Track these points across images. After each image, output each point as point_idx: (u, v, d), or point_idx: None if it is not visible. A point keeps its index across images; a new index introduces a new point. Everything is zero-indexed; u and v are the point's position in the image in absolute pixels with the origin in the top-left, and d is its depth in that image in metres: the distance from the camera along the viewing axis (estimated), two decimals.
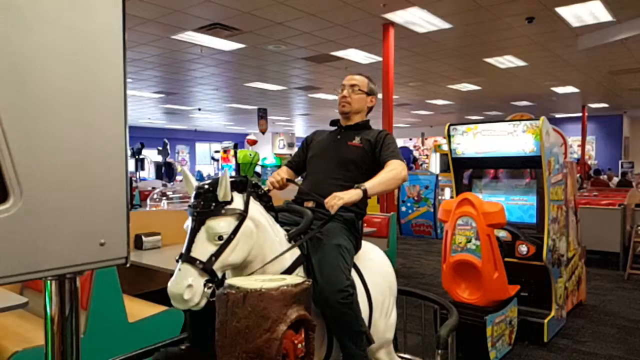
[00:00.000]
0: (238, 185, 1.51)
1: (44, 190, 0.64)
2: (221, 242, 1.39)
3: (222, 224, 1.40)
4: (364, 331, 1.72)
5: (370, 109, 2.21)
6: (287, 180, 2.02)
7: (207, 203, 1.42)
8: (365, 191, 1.75)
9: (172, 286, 1.34)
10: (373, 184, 1.80)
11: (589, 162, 16.21)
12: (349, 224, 1.88)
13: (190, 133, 21.86)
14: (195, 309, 1.38)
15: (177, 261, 1.39)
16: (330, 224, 1.79)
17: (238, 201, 1.47)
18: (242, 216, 1.45)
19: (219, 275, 1.41)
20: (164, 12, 5.86)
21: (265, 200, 1.63)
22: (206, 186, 1.45)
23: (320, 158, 2.09)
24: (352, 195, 1.72)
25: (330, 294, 1.60)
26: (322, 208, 1.88)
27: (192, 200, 1.46)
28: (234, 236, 1.42)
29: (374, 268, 1.99)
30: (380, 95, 6.84)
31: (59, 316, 0.73)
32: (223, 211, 1.41)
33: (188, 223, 1.44)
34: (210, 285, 1.37)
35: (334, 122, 2.23)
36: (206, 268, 1.36)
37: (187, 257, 1.37)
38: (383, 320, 1.97)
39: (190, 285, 1.33)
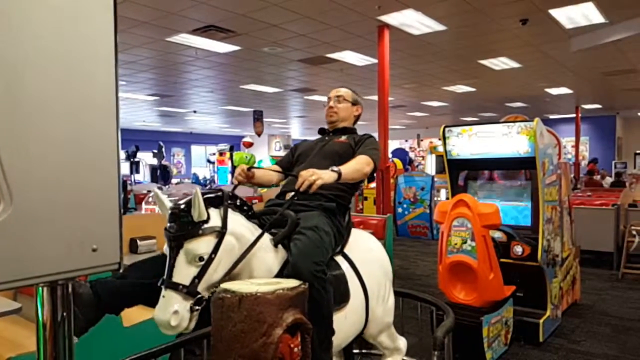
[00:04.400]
0: (213, 200, 1.46)
1: (34, 196, 0.64)
2: (202, 262, 1.36)
3: (201, 245, 1.36)
4: (331, 325, 1.64)
5: (357, 118, 2.32)
6: (249, 168, 1.96)
7: (182, 225, 1.37)
8: (339, 174, 1.75)
9: (158, 314, 1.32)
10: (346, 170, 1.80)
11: (583, 162, 16.29)
12: (329, 212, 1.87)
13: (185, 135, 21.80)
14: (186, 332, 1.36)
15: (160, 287, 1.36)
16: (309, 211, 1.81)
17: (215, 218, 1.42)
18: (221, 233, 1.41)
19: (206, 294, 1.38)
20: (159, 15, 5.84)
21: (246, 210, 1.59)
22: (181, 206, 1.40)
23: (307, 154, 2.15)
24: (329, 175, 1.71)
25: (304, 266, 1.53)
26: (301, 198, 1.86)
27: (167, 223, 1.41)
28: (214, 255, 1.38)
29: (366, 255, 1.99)
30: (375, 97, 6.86)
31: (51, 322, 0.73)
32: (200, 231, 1.37)
33: (166, 247, 1.41)
34: (197, 307, 1.35)
35: (321, 131, 2.31)
36: (190, 291, 1.34)
37: (169, 284, 1.34)
38: (380, 306, 1.98)
39: (176, 312, 1.31)
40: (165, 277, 1.36)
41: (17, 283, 0.63)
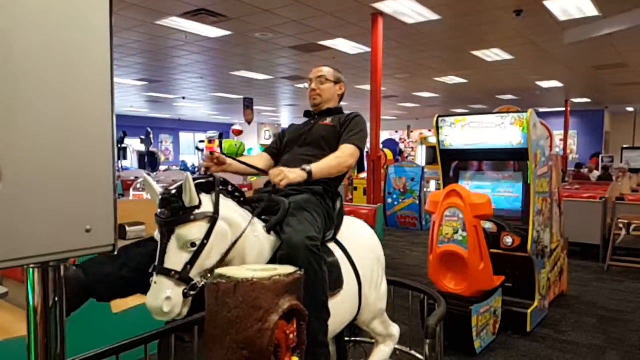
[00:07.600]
0: (205, 186, 1.45)
1: (25, 172, 0.60)
2: (194, 248, 1.35)
3: (193, 231, 1.35)
4: (327, 307, 1.63)
5: (341, 97, 2.24)
6: (212, 152, 1.89)
7: (174, 211, 1.35)
8: (310, 173, 1.73)
9: (150, 301, 1.31)
10: (319, 168, 1.78)
11: (571, 156, 16.49)
12: (317, 194, 1.87)
13: (174, 122, 21.52)
14: (178, 318, 1.35)
15: (151, 273, 1.34)
16: (298, 195, 1.81)
17: (207, 203, 1.40)
18: (213, 219, 1.39)
19: (199, 280, 1.36)
20: None
21: (238, 195, 1.57)
22: (172, 191, 1.37)
23: (293, 140, 2.10)
24: (297, 175, 1.69)
25: (298, 241, 1.52)
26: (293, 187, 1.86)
27: (157, 208, 1.39)
28: (207, 241, 1.36)
29: (359, 242, 1.98)
30: (366, 87, 6.82)
31: (42, 306, 0.69)
32: (192, 217, 1.35)
33: (157, 233, 1.38)
34: (191, 293, 1.34)
35: (307, 113, 2.24)
36: (182, 277, 1.32)
37: (161, 269, 1.32)
38: (374, 292, 1.98)
39: (168, 298, 1.30)
40: (157, 263, 1.34)
41: (6, 264, 0.60)
